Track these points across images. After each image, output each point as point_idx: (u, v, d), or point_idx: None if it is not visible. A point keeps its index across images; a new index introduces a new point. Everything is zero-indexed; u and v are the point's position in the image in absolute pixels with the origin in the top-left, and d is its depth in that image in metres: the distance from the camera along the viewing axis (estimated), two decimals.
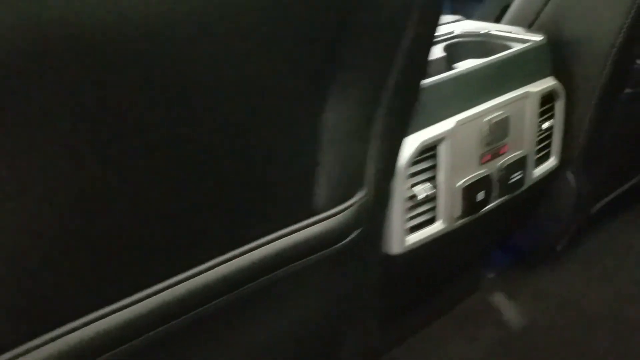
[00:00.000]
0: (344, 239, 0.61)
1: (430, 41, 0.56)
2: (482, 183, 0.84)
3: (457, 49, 0.91)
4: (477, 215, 0.87)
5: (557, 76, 0.93)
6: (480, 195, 0.85)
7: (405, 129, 0.63)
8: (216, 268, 0.52)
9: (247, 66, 0.43)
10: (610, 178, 1.14)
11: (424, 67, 0.58)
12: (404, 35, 0.52)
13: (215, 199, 0.49)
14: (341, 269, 0.67)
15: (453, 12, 1.07)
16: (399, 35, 0.52)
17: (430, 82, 0.76)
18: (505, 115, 0.84)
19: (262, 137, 0.50)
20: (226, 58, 0.41)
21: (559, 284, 1.18)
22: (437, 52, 0.88)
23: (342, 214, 0.59)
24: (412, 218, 0.80)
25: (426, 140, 0.76)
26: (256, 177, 0.53)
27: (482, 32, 0.94)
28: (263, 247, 0.55)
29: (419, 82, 0.60)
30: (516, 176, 0.89)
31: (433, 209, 0.82)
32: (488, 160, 0.85)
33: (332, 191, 0.58)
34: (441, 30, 0.95)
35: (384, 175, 0.63)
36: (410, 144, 0.75)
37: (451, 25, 0.97)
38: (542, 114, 0.93)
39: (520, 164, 0.89)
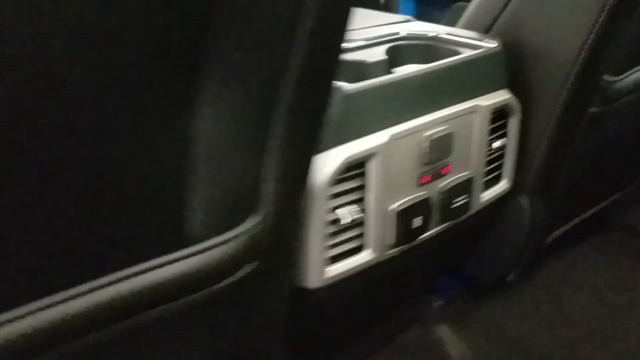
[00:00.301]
0: (230, 275, 0.49)
1: (342, 27, 0.45)
2: (420, 207, 0.73)
3: (401, 53, 0.80)
4: (413, 243, 0.76)
5: (513, 89, 0.83)
6: (418, 221, 0.73)
7: (315, 137, 0.51)
8: (68, 303, 0.40)
9: (80, 70, 0.33)
10: (569, 205, 1.04)
11: (334, 58, 0.47)
12: (301, 16, 0.41)
13: (63, 222, 0.38)
14: (232, 312, 0.55)
15: (418, 17, 0.96)
16: (293, 16, 0.40)
17: (360, 87, 0.65)
18: (448, 131, 0.72)
19: (111, 155, 0.38)
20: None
21: (509, 318, 1.07)
22: (377, 54, 0.77)
23: (225, 245, 0.47)
24: (334, 246, 0.68)
25: (353, 156, 0.64)
26: (107, 199, 0.41)
27: (430, 34, 0.83)
28: (122, 282, 0.43)
29: (329, 76, 0.48)
30: (460, 200, 0.78)
31: (361, 235, 0.71)
32: (427, 182, 0.74)
33: (210, 217, 0.46)
34: (385, 31, 0.84)
35: (290, 195, 0.51)
36: (333, 159, 0.63)
37: (397, 26, 0.86)
38: (493, 131, 0.82)
39: (465, 187, 0.78)
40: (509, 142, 0.85)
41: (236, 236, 0.47)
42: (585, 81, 0.86)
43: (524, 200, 0.95)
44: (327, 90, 0.49)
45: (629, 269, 1.18)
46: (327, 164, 0.63)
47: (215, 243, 0.46)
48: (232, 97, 0.42)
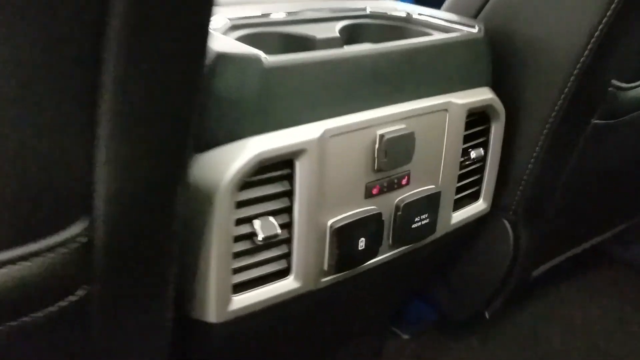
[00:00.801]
0: (40, 307, 0.34)
1: None
2: (368, 225, 0.57)
3: (361, 32, 0.65)
4: (359, 270, 0.60)
5: (497, 89, 0.68)
6: (364, 243, 0.58)
7: (185, 118, 0.36)
8: None
9: None
10: (561, 234, 0.88)
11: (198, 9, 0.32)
12: None
13: None
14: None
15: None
16: None
17: (286, 61, 0.49)
18: (407, 132, 0.57)
19: None
20: None
21: None
22: (328, 32, 0.62)
23: (19, 265, 0.32)
24: (246, 268, 0.53)
25: (270, 151, 0.49)
26: None
27: (400, 14, 0.67)
28: None
29: (199, 32, 0.33)
30: (423, 220, 0.63)
31: (287, 256, 0.55)
32: (379, 194, 0.58)
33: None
34: (350, 6, 0.68)
35: (145, 198, 0.36)
36: (242, 153, 0.48)
37: (366, 2, 0.70)
38: (470, 138, 0.66)
39: (429, 203, 0.62)
40: (490, 153, 0.69)
41: (43, 251, 0.31)
42: (589, 86, 0.70)
43: (506, 226, 0.80)
44: (197, 55, 0.34)
45: (629, 312, 1.02)
46: (234, 159, 0.47)
47: (5, 259, 0.31)
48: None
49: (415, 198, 0.61)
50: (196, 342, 0.55)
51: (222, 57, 0.46)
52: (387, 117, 0.56)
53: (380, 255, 0.62)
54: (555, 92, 0.69)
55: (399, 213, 0.60)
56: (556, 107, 0.69)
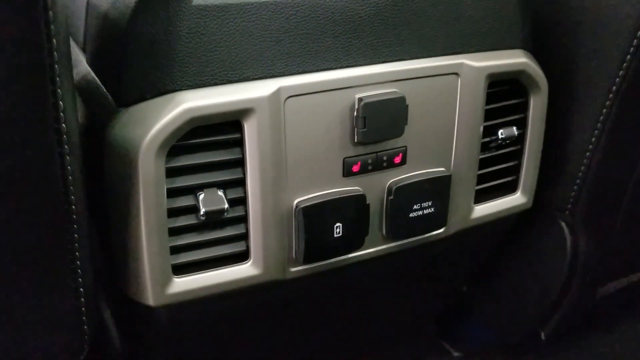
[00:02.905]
0: None
1: None
2: (346, 208, 0.48)
3: None
4: (343, 262, 0.51)
5: (542, 57, 0.55)
6: (341, 229, 0.49)
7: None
8: None
9: None
10: (636, 247, 0.71)
11: None
12: None
13: None
14: None
15: None
16: None
17: None
18: (396, 96, 0.47)
19: None
20: None
21: None
22: None
23: None
24: (193, 247, 0.46)
25: (203, 108, 0.41)
26: None
27: None
28: None
29: None
30: (425, 209, 0.52)
31: (244, 237, 0.47)
32: (362, 172, 0.48)
33: None
34: None
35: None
36: (165, 109, 0.40)
37: None
38: (499, 113, 0.54)
39: (434, 189, 0.51)
40: (529, 133, 0.56)
41: None
42: None
43: (563, 227, 0.66)
44: None
45: None
46: (158, 114, 0.40)
47: None
48: None
49: (412, 181, 0.50)
50: (142, 325, 0.49)
51: None
52: (367, 77, 0.46)
53: (371, 248, 0.52)
54: (615, 61, 0.55)
55: (391, 197, 0.50)
56: (617, 81, 0.55)
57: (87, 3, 0.49)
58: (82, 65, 0.51)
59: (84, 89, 0.50)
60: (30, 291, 0.38)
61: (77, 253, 0.39)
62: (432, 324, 0.90)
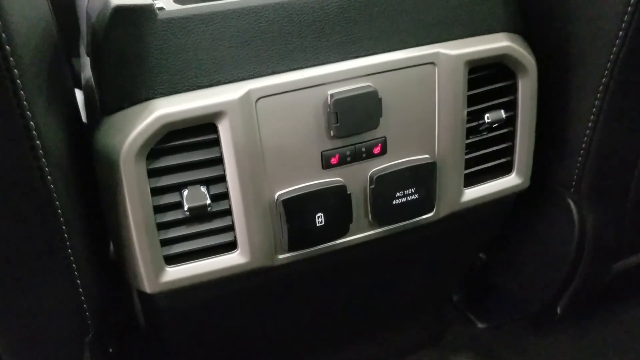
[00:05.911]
0: None
1: None
2: (325, 198, 0.50)
3: None
4: (330, 248, 0.53)
5: (532, 28, 0.53)
6: (323, 218, 0.51)
7: None
8: None
9: None
10: None
11: None
12: None
13: None
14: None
15: None
16: None
17: (185, 11, 0.44)
18: (367, 90, 0.48)
19: None
20: None
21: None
22: None
23: None
24: (183, 240, 0.49)
25: (176, 114, 0.44)
26: None
27: None
28: None
29: None
30: (409, 195, 0.53)
31: (231, 229, 0.51)
32: (341, 164, 0.50)
33: None
34: None
35: None
36: (139, 118, 0.43)
37: None
38: (486, 97, 0.54)
39: (417, 176, 0.52)
40: (520, 115, 0.56)
41: None
42: None
43: (570, 204, 0.65)
44: None
45: None
46: (134, 123, 0.44)
47: None
48: None
49: (392, 170, 0.51)
50: (147, 310, 0.54)
51: (115, 11, 0.42)
52: (339, 73, 0.47)
53: (358, 234, 0.54)
54: (612, 28, 0.53)
55: (372, 186, 0.52)
56: (614, 50, 0.53)
57: (86, 11, 0.53)
58: (87, 69, 0.54)
59: (88, 94, 0.54)
60: (33, 286, 0.43)
61: (69, 250, 0.43)
62: (457, 297, 0.91)
